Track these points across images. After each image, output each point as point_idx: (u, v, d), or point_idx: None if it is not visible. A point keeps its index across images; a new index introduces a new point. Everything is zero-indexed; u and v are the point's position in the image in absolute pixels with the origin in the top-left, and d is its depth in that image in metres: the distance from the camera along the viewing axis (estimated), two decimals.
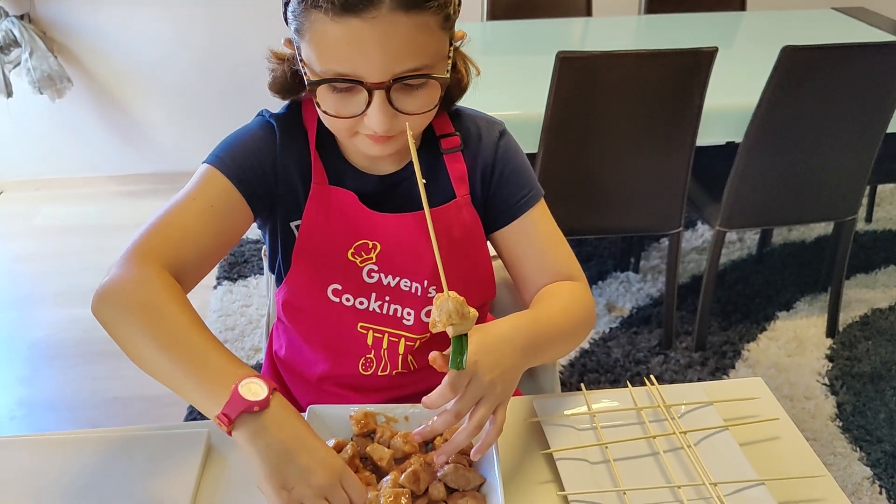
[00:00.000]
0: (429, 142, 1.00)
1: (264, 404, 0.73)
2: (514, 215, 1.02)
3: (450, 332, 0.73)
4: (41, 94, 3.17)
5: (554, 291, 0.99)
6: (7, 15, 3.08)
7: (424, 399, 0.78)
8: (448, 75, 0.87)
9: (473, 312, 0.74)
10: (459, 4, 0.88)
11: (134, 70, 3.35)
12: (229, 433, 0.73)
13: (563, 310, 0.95)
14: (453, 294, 0.73)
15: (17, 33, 3.08)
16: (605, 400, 0.97)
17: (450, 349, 0.76)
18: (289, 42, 0.92)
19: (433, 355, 0.77)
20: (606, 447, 0.89)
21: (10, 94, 3.20)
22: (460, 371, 0.75)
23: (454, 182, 1.00)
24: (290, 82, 0.97)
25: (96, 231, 3.19)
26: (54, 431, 0.90)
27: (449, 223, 0.99)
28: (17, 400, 2.27)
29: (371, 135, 0.87)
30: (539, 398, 0.98)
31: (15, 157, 3.48)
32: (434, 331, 0.74)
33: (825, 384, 2.27)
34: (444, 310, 0.72)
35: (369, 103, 0.83)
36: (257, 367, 2.31)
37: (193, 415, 2.15)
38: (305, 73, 0.86)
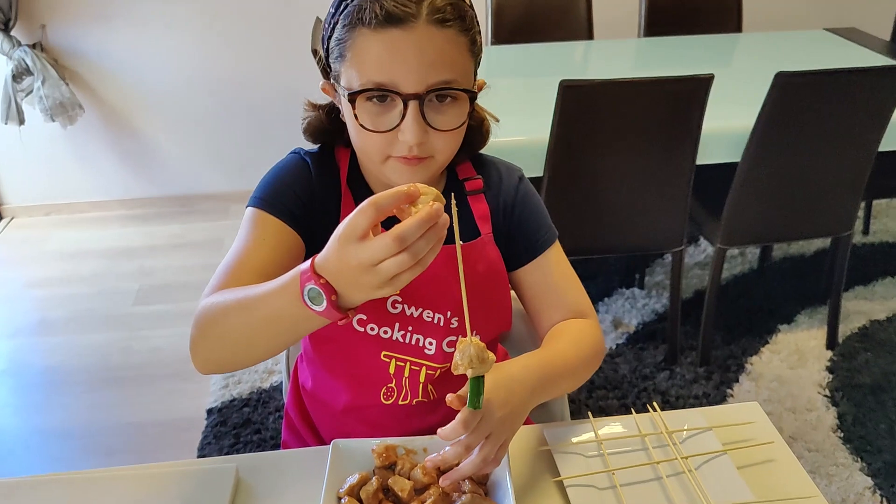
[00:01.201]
0: (453, 185, 1.08)
1: (311, 267, 0.74)
2: (532, 255, 1.09)
3: (469, 374, 0.79)
4: (53, 121, 3.24)
5: (565, 329, 1.05)
6: (20, 44, 3.15)
7: (439, 431, 0.84)
8: (475, 90, 0.95)
9: (492, 357, 0.79)
10: (481, 48, 0.97)
11: (143, 96, 3.42)
12: (329, 296, 0.73)
13: (572, 348, 1.02)
14: (475, 340, 0.79)
15: (29, 62, 3.15)
16: (612, 427, 1.03)
17: (465, 388, 0.81)
18: (326, 86, 1.00)
19: (450, 397, 0.83)
20: (613, 473, 0.94)
21: (22, 122, 3.26)
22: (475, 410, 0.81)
23: (478, 221, 1.07)
24: (325, 126, 1.05)
25: (107, 255, 3.24)
26: (71, 461, 0.93)
27: (475, 259, 1.05)
28: (31, 428, 2.30)
29: (402, 157, 0.93)
30: (549, 427, 1.03)
31: (26, 184, 3.55)
32: (456, 373, 0.79)
33: (826, 396, 2.32)
34: (467, 354, 0.78)
35: (404, 115, 0.89)
36: (272, 390, 2.36)
37: (208, 439, 2.20)
38: (345, 95, 0.92)
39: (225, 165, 3.54)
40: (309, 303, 0.74)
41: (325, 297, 0.73)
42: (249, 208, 1.01)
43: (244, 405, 2.30)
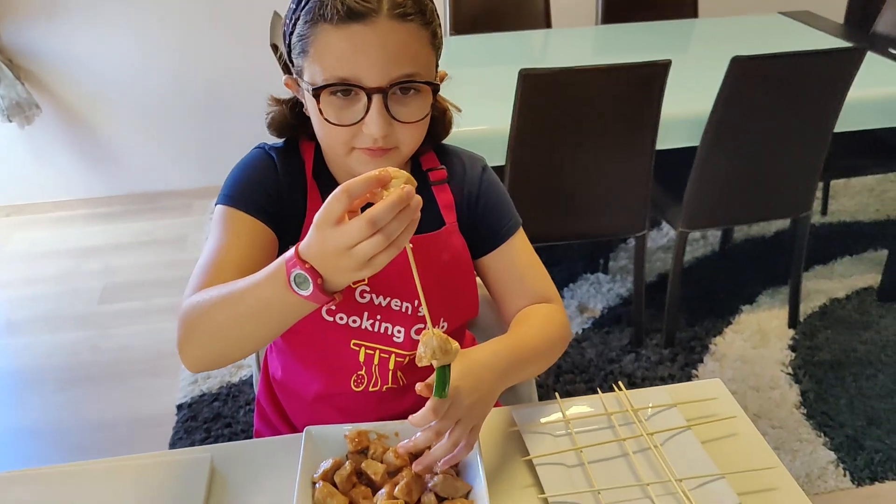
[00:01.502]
0: (418, 175, 1.09)
1: (295, 253, 0.76)
2: (497, 243, 1.11)
3: (434, 364, 0.81)
4: (10, 121, 3.18)
5: (531, 314, 1.08)
6: None
7: (410, 417, 0.86)
8: (437, 82, 0.97)
9: (455, 346, 0.82)
10: (442, 41, 0.98)
11: (102, 94, 3.37)
12: (315, 280, 0.75)
13: (539, 332, 1.04)
14: (437, 331, 0.81)
15: None
16: (578, 406, 1.05)
17: (432, 377, 0.83)
18: (289, 81, 1.00)
19: (419, 386, 0.85)
20: (581, 451, 0.97)
21: None
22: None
23: (443, 210, 1.09)
24: (288, 121, 1.06)
25: (71, 254, 3.20)
26: (43, 460, 0.93)
27: (439, 248, 1.07)
28: (2, 427, 2.28)
29: (366, 148, 0.94)
30: (518, 408, 1.05)
31: None
32: (420, 364, 0.81)
33: (789, 374, 2.38)
34: (430, 346, 0.80)
35: (368, 109, 0.91)
36: (241, 384, 2.36)
37: (179, 435, 2.19)
38: (309, 90, 0.93)
39: (187, 162, 3.51)
40: (296, 288, 0.76)
41: (311, 281, 0.75)
42: (219, 206, 1.01)
43: (214, 399, 2.30)
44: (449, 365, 0.83)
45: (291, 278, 0.76)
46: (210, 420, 2.23)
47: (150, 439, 2.20)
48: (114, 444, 2.20)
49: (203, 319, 0.85)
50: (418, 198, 0.73)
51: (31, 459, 2.17)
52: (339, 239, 0.72)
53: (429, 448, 0.89)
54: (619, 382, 1.09)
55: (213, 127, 3.44)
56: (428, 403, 0.84)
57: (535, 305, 1.09)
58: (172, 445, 2.16)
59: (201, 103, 3.43)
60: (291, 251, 0.76)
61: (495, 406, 1.17)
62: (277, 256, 0.81)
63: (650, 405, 1.04)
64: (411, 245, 0.78)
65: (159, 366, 2.48)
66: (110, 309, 2.82)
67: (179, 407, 2.30)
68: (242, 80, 3.35)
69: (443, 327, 1.08)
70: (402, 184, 0.73)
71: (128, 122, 3.45)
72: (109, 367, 2.50)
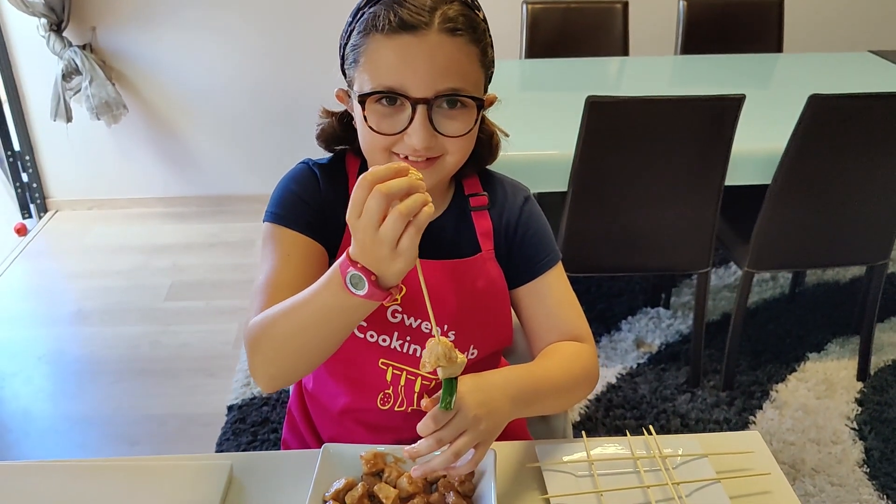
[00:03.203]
0: (459, 199, 1.09)
1: (347, 255, 0.79)
2: (532, 276, 1.09)
3: (440, 373, 0.81)
4: (98, 119, 3.33)
5: (557, 349, 1.06)
6: (70, 45, 3.26)
7: (418, 425, 0.85)
8: (483, 98, 0.97)
9: (461, 358, 0.81)
10: (493, 61, 0.99)
11: (185, 99, 3.50)
12: (369, 277, 0.77)
13: (561, 367, 1.02)
14: (443, 339, 0.81)
15: (78, 62, 3.25)
16: (605, 447, 1.02)
17: (440, 392, 0.83)
18: (340, 92, 1.03)
19: (425, 401, 0.85)
20: (601, 495, 0.94)
21: (69, 119, 3.37)
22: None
23: (480, 237, 1.09)
24: (337, 133, 1.08)
25: (143, 250, 3.32)
26: (93, 449, 0.96)
27: (474, 275, 1.06)
28: (60, 414, 2.37)
29: (411, 161, 0.94)
30: (541, 444, 1.03)
31: (71, 179, 3.65)
32: (423, 371, 0.81)
33: (853, 429, 2.26)
34: (434, 353, 0.80)
35: (412, 120, 0.92)
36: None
37: (227, 435, 2.23)
38: (356, 98, 0.95)
39: (261, 168, 3.60)
40: (352, 288, 0.78)
41: (365, 279, 0.77)
42: (266, 224, 1.04)
43: (264, 404, 2.34)
44: (455, 378, 0.82)
45: (347, 279, 0.78)
46: (258, 424, 2.27)
47: (197, 437, 2.25)
48: (162, 439, 2.25)
49: (268, 336, 0.88)
50: (419, 174, 0.76)
51: (84, 446, 2.25)
52: (364, 223, 0.74)
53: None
54: (650, 426, 1.05)
55: (287, 135, 3.52)
56: (430, 412, 0.84)
57: (565, 342, 1.07)
58: (219, 445, 2.20)
59: (276, 112, 3.52)
60: (343, 256, 0.79)
61: (524, 438, 1.14)
62: (329, 267, 0.83)
63: (680, 452, 1.00)
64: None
65: (215, 366, 2.54)
66: (175, 306, 2.91)
67: (230, 408, 2.34)
68: (318, 91, 3.41)
69: (472, 354, 1.07)
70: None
71: (207, 126, 3.56)
72: (167, 363, 2.57)
